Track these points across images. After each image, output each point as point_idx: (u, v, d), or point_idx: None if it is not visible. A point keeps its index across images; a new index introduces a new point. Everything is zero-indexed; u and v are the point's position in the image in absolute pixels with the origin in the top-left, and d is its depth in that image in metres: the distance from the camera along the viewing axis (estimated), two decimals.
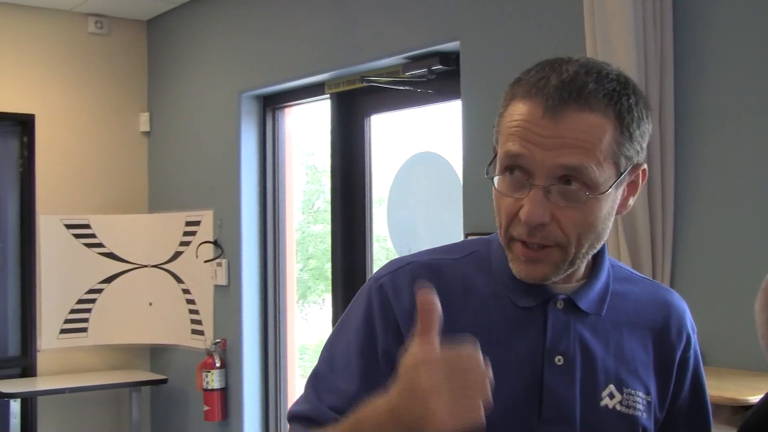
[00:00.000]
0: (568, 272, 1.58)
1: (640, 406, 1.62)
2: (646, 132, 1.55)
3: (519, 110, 1.50)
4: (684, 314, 1.74)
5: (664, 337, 1.69)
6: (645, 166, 1.59)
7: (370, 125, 5.42)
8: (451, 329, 1.53)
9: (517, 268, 1.56)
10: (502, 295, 1.62)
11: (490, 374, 1.32)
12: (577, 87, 1.47)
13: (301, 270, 7.79)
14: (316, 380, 1.64)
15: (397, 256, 1.74)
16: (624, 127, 1.50)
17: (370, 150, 5.42)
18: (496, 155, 1.55)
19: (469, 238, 1.76)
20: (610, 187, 1.51)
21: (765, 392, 1.76)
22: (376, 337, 1.60)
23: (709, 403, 1.78)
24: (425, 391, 1.29)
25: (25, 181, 6.62)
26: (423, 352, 1.32)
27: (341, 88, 5.38)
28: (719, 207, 3.42)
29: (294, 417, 1.63)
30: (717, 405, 2.83)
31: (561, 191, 1.48)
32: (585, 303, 1.62)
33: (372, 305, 1.62)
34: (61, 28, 6.73)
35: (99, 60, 6.89)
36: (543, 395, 1.56)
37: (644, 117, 1.54)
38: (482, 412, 1.29)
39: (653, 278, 3.44)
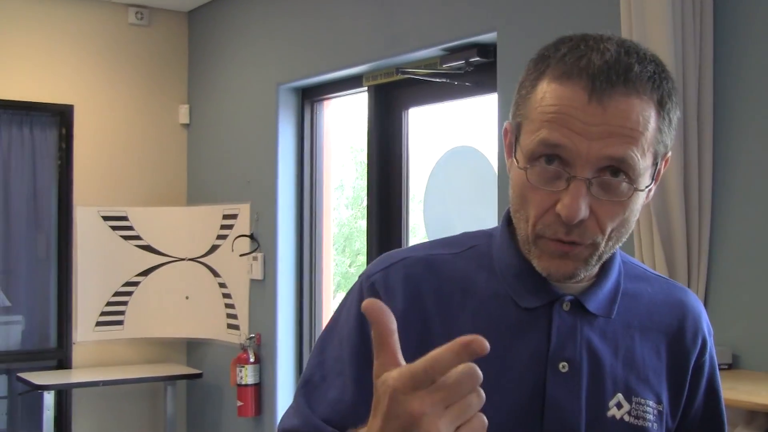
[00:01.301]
0: (596, 268, 1.46)
1: (650, 416, 1.48)
2: (679, 119, 1.44)
3: (555, 93, 1.35)
4: (700, 316, 1.60)
5: (679, 341, 1.55)
6: (670, 153, 1.46)
7: (407, 118, 5.34)
8: (449, 331, 1.40)
9: (545, 264, 1.41)
10: (504, 294, 1.49)
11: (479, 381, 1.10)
12: (624, 69, 1.34)
13: (349, 266, 7.73)
14: (306, 388, 1.51)
15: (392, 251, 1.60)
16: (665, 112, 1.38)
17: (407, 144, 5.33)
18: (516, 140, 1.42)
19: (468, 231, 1.63)
20: (652, 178, 1.40)
21: None
22: (370, 340, 1.44)
23: (725, 411, 1.63)
24: (414, 418, 1.03)
25: (63, 172, 6.61)
26: (394, 374, 1.07)
27: (379, 81, 5.31)
28: (757, 208, 3.31)
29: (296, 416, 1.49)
30: (752, 412, 2.73)
31: (604, 184, 1.35)
32: (594, 304, 1.48)
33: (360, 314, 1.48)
34: (101, 18, 6.71)
35: (139, 51, 6.86)
36: (545, 405, 1.43)
37: (678, 102, 1.42)
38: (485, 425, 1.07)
39: (688, 281, 3.36)
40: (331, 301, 6.08)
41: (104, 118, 6.72)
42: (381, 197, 5.38)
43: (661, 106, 1.37)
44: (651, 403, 1.49)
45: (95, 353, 6.62)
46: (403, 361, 1.09)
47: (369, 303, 1.10)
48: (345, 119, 6.04)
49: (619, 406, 1.47)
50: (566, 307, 1.47)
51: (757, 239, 3.30)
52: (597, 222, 1.37)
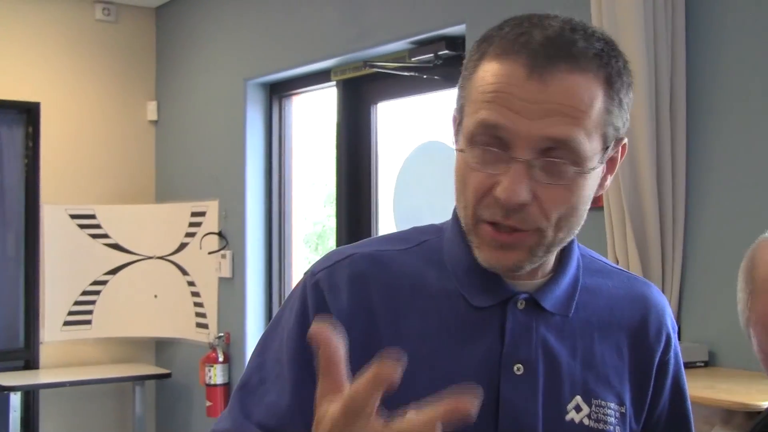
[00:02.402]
0: (543, 260, 1.37)
1: (612, 419, 1.41)
2: (631, 101, 1.36)
3: (494, 71, 1.28)
4: (664, 311, 1.52)
5: (642, 338, 1.48)
6: (626, 140, 1.39)
7: (376, 113, 5.29)
8: (397, 331, 1.38)
9: (485, 256, 1.34)
10: (455, 292, 1.40)
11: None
12: (566, 44, 1.27)
13: None
14: (243, 392, 1.43)
15: (338, 247, 1.52)
16: (614, 92, 1.30)
17: (376, 139, 5.28)
18: (459, 124, 1.35)
19: (417, 226, 1.56)
20: (599, 161, 1.31)
21: None
22: (310, 343, 1.38)
23: (691, 411, 1.56)
24: None
25: (30, 170, 6.52)
26: (334, 407, 1.03)
27: (347, 75, 5.26)
28: (732, 205, 3.26)
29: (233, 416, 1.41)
30: (729, 411, 2.69)
31: (545, 166, 1.27)
32: (550, 302, 1.40)
33: (306, 305, 1.41)
34: (67, 14, 6.63)
35: (106, 48, 6.78)
36: (500, 410, 1.35)
37: (631, 83, 1.35)
38: None
39: (663, 279, 3.33)
40: None
41: (71, 115, 6.63)
42: (350, 193, 5.33)
43: (609, 86, 1.30)
44: (612, 405, 1.42)
45: (63, 353, 6.54)
46: (347, 389, 1.04)
47: (316, 329, 1.06)
48: (314, 114, 5.98)
49: (578, 409, 1.40)
50: (521, 305, 1.39)
51: (732, 236, 3.26)
52: (540, 207, 1.29)
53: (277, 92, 5.96)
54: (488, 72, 1.29)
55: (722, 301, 3.27)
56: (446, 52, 4.54)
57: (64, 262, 6.52)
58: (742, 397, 2.66)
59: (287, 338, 1.41)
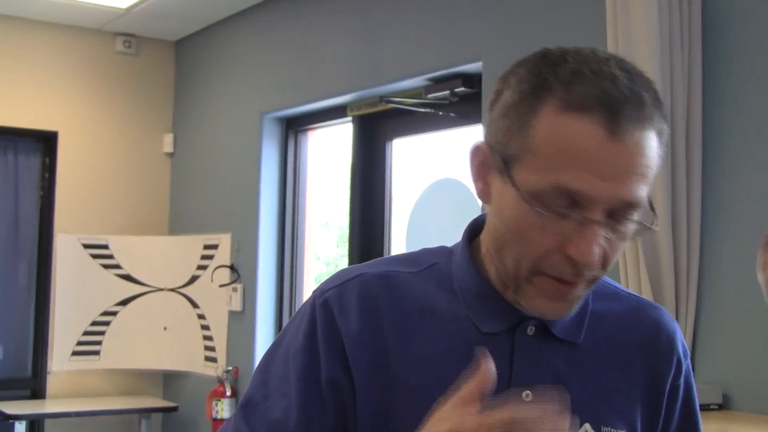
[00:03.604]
0: None
1: None
2: None
3: (571, 128, 1.21)
4: (675, 335, 1.49)
5: (653, 363, 1.45)
6: None
7: (391, 149, 5.28)
8: (406, 352, 1.35)
9: (539, 305, 1.31)
10: (464, 317, 1.38)
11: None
12: (638, 98, 1.22)
13: None
14: (247, 409, 1.40)
15: (348, 267, 1.50)
16: (662, 143, 1.27)
17: (390, 175, 5.27)
18: (506, 168, 1.27)
19: (428, 247, 1.52)
20: (650, 209, 1.30)
21: None
22: (319, 361, 1.36)
23: None
24: None
25: (45, 198, 6.54)
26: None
27: (363, 111, 5.26)
28: (748, 248, 3.21)
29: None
30: None
31: (617, 225, 1.26)
32: (560, 329, 1.38)
33: (315, 324, 1.38)
34: (88, 46, 6.66)
35: (125, 79, 6.81)
36: None
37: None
38: None
39: (677, 315, 3.27)
40: None
41: (88, 146, 6.65)
42: (363, 229, 5.32)
43: (660, 136, 1.27)
44: None
45: (70, 383, 6.51)
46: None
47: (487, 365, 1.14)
48: (329, 150, 5.98)
49: None
50: (530, 331, 1.37)
51: (748, 276, 3.21)
52: (603, 260, 1.27)
53: (293, 127, 5.97)
54: (561, 127, 1.23)
55: (736, 343, 3.23)
56: (462, 89, 4.54)
57: (76, 291, 6.51)
58: None
59: (293, 357, 1.38)
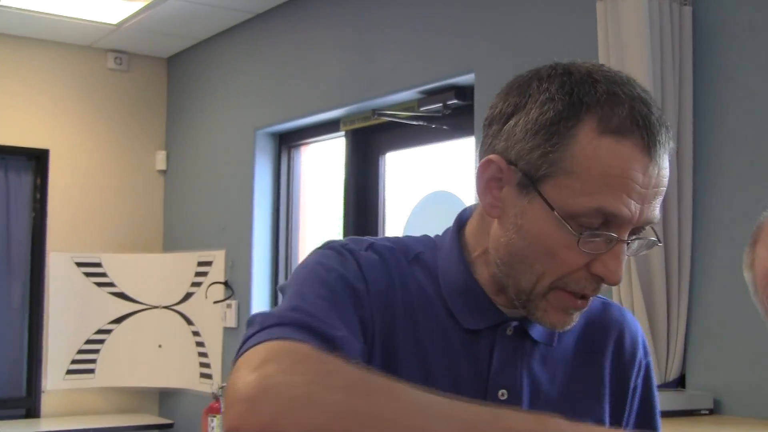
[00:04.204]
0: None
1: None
2: None
3: (614, 152, 1.23)
4: (637, 335, 1.54)
5: (618, 363, 1.50)
6: None
7: (384, 163, 5.27)
8: (392, 345, 1.35)
9: (553, 319, 1.32)
10: (448, 312, 1.40)
11: None
12: (664, 121, 1.26)
13: None
14: (297, 312, 1.26)
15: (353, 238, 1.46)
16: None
17: (384, 189, 5.26)
18: (532, 185, 1.28)
19: (410, 236, 1.50)
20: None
21: None
22: (360, 298, 1.33)
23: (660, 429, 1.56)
24: None
25: (37, 217, 6.51)
26: None
27: (356, 125, 5.26)
28: (738, 255, 3.18)
29: (295, 326, 1.22)
30: None
31: (639, 243, 1.31)
32: (537, 331, 1.41)
33: (345, 258, 1.36)
34: (79, 63, 6.66)
35: (117, 96, 6.80)
36: None
37: None
38: None
39: (668, 325, 3.32)
40: None
41: (80, 163, 6.64)
42: None
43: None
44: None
45: (65, 402, 6.48)
46: None
47: None
48: (323, 165, 5.97)
49: None
50: (509, 332, 1.40)
51: (739, 281, 3.20)
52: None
53: (287, 142, 5.96)
54: (604, 150, 1.24)
55: (727, 349, 3.24)
56: (455, 101, 4.54)
57: (69, 310, 6.48)
58: None
59: (332, 287, 1.32)
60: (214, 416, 5.82)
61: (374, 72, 4.97)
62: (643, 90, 1.28)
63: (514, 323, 1.40)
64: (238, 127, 6.09)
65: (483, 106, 4.25)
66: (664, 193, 1.28)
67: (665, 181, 1.27)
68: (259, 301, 5.86)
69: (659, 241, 1.33)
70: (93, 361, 6.52)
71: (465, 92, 4.52)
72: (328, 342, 1.21)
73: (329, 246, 1.40)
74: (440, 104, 4.63)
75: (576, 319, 1.35)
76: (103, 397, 6.62)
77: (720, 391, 3.24)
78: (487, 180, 1.32)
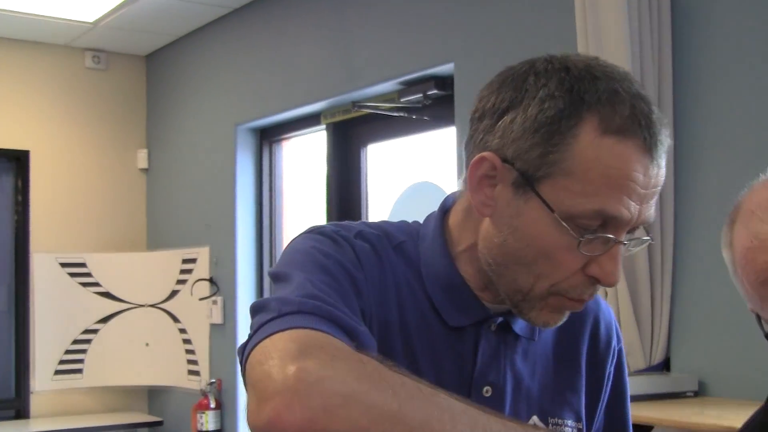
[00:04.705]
0: None
1: None
2: None
3: (615, 152, 1.20)
4: (611, 321, 1.53)
5: (594, 352, 1.49)
6: None
7: (366, 156, 5.28)
8: (385, 338, 1.31)
9: (545, 318, 1.30)
10: (431, 307, 1.36)
11: None
12: (662, 120, 1.23)
13: None
14: (316, 300, 1.20)
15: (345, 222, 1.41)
16: None
17: (366, 181, 5.27)
18: (529, 184, 1.23)
19: (391, 221, 1.45)
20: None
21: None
22: (360, 288, 1.29)
23: (629, 418, 1.56)
24: None
25: (20, 218, 6.49)
26: None
27: (337, 118, 5.26)
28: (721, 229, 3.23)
29: (318, 316, 1.17)
30: None
31: (633, 243, 1.28)
32: (520, 326, 1.39)
33: (339, 243, 1.32)
34: (57, 62, 6.63)
35: (97, 95, 6.78)
36: None
37: None
38: None
39: (652, 310, 3.33)
40: None
41: (61, 164, 6.62)
42: None
43: None
44: (570, 422, 1.43)
45: (54, 403, 6.47)
46: None
47: None
48: (304, 159, 5.98)
49: (535, 428, 1.33)
50: (493, 327, 1.37)
51: (721, 268, 3.22)
52: None
53: (268, 137, 5.96)
54: (605, 150, 1.20)
55: (711, 331, 3.27)
56: (435, 91, 4.54)
57: (55, 311, 6.47)
58: (731, 422, 2.66)
59: (334, 274, 1.27)
60: (203, 412, 5.84)
61: (354, 64, 4.97)
62: (640, 86, 1.25)
63: (499, 319, 1.37)
64: (219, 123, 6.09)
65: (463, 96, 4.27)
66: (658, 192, 1.26)
67: (663, 179, 1.25)
68: (245, 297, 5.86)
69: (651, 239, 1.31)
70: (81, 361, 6.51)
71: (445, 82, 4.52)
72: (351, 335, 1.17)
73: (320, 231, 1.35)
74: (420, 95, 4.63)
75: (565, 317, 1.32)
76: (92, 397, 6.61)
77: (705, 374, 3.26)
78: (480, 178, 1.28)
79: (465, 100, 4.28)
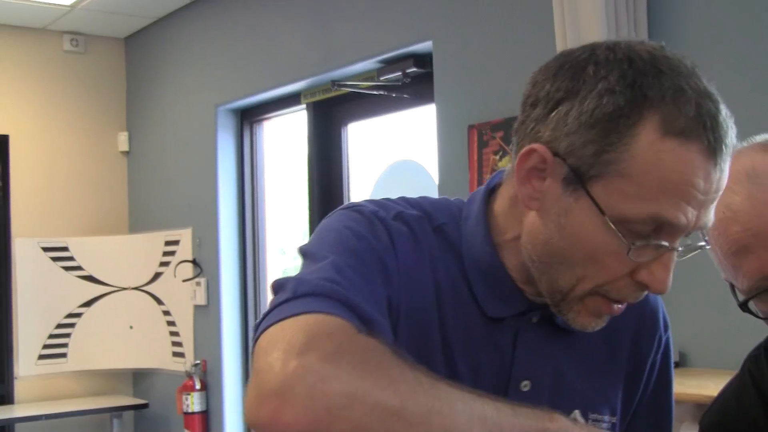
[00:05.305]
0: None
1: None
2: None
3: (678, 157, 1.12)
4: (657, 310, 1.47)
5: (637, 343, 1.43)
6: None
7: (347, 134, 5.28)
8: (418, 327, 1.27)
9: (584, 321, 1.24)
10: (471, 295, 1.30)
11: None
12: (729, 124, 1.15)
13: None
14: (333, 284, 1.18)
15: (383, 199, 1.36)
16: None
17: (347, 160, 5.27)
18: (580, 183, 1.17)
19: (430, 198, 1.39)
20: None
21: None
22: (390, 275, 1.25)
23: (673, 407, 1.51)
24: None
25: (1, 204, 6.47)
26: None
27: (317, 98, 5.26)
28: None
29: (333, 299, 1.15)
30: (699, 404, 2.71)
31: (686, 248, 1.21)
32: (562, 319, 1.30)
33: (374, 225, 1.27)
34: (35, 46, 6.60)
35: (76, 78, 6.75)
36: None
37: None
38: None
39: None
40: None
41: (41, 148, 6.60)
42: (323, 215, 5.30)
43: None
44: (606, 417, 1.39)
45: (39, 387, 6.47)
46: None
47: None
48: (286, 139, 5.98)
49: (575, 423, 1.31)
50: (535, 320, 1.32)
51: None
52: None
53: (248, 118, 5.96)
54: (667, 154, 1.13)
55: (691, 303, 3.29)
56: (414, 69, 4.54)
57: (38, 295, 6.46)
58: (711, 392, 2.68)
59: (361, 257, 1.24)
60: (189, 393, 5.85)
61: (333, 43, 4.97)
62: (707, 82, 1.16)
63: (540, 312, 1.32)
64: (199, 105, 6.08)
65: (442, 74, 4.28)
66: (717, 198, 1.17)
67: (725, 183, 1.17)
68: (228, 278, 5.86)
69: (707, 244, 1.24)
70: (65, 345, 6.51)
71: (424, 60, 4.53)
72: (365, 322, 1.14)
73: (357, 209, 1.31)
74: (399, 73, 4.63)
75: (606, 321, 1.26)
76: (77, 381, 6.61)
77: (685, 344, 3.30)
78: (528, 170, 1.21)
79: (444, 77, 4.30)
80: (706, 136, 1.12)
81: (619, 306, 1.23)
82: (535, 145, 1.19)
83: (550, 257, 1.22)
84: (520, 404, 1.11)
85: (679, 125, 1.12)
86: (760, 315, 1.41)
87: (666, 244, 1.17)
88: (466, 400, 1.07)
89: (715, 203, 1.17)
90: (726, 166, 1.15)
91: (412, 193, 1.40)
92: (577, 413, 1.35)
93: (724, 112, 1.15)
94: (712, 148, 1.12)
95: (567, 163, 1.17)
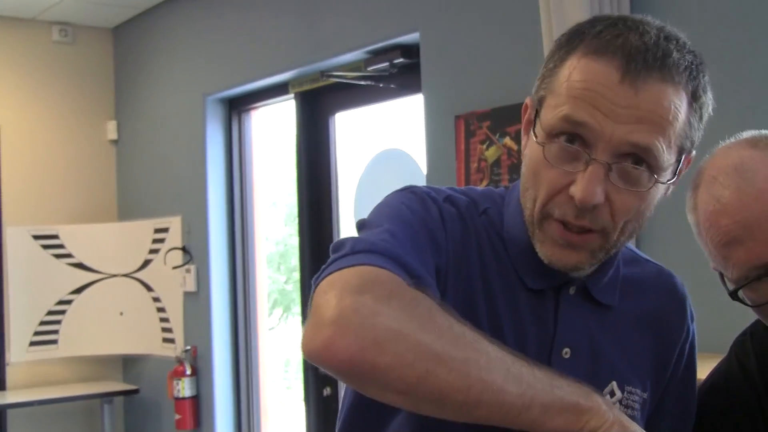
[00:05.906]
0: (601, 262, 1.40)
1: (637, 405, 1.46)
2: (709, 116, 1.38)
3: (586, 68, 1.27)
4: (685, 302, 1.58)
5: (667, 329, 1.53)
6: (694, 153, 1.41)
7: (334, 124, 5.35)
8: (465, 298, 1.38)
9: (548, 252, 1.35)
10: (511, 270, 1.41)
11: None
12: (662, 53, 1.26)
13: (285, 282, 7.73)
14: (388, 244, 1.29)
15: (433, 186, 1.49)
16: (698, 106, 1.32)
17: (335, 150, 5.34)
18: (536, 115, 1.35)
19: (476, 188, 1.53)
20: (672, 172, 1.34)
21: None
22: (440, 246, 1.36)
23: (696, 392, 1.61)
24: None
25: None
26: None
27: (305, 87, 5.32)
28: (684, 191, 3.33)
29: (387, 256, 1.26)
30: None
31: (624, 171, 1.28)
32: (598, 291, 1.44)
33: (431, 216, 1.39)
34: (24, 36, 6.64)
35: (64, 68, 6.80)
36: None
37: (711, 100, 1.37)
38: None
39: None
40: (266, 309, 6.08)
41: (31, 137, 6.65)
42: (311, 205, 5.38)
43: (694, 99, 1.31)
44: (638, 391, 1.47)
45: (30, 373, 6.53)
46: None
47: None
48: (274, 128, 6.04)
49: (612, 394, 1.43)
50: (572, 291, 1.43)
51: (687, 229, 3.30)
52: (611, 210, 1.31)
53: (237, 107, 6.02)
54: (578, 68, 1.29)
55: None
56: (401, 60, 4.60)
57: (29, 282, 6.52)
58: (699, 374, 2.75)
59: (412, 221, 1.37)
60: (179, 379, 5.93)
61: (321, 34, 5.03)
62: (664, 32, 1.30)
63: (577, 283, 1.42)
64: (188, 94, 6.14)
65: (429, 64, 4.35)
66: (662, 124, 1.27)
67: (659, 110, 1.26)
68: (218, 264, 5.93)
69: (657, 175, 1.31)
70: (55, 331, 6.57)
71: (411, 51, 4.58)
72: (415, 278, 1.24)
73: (412, 190, 1.43)
74: (387, 63, 4.69)
75: (583, 260, 1.35)
76: (68, 367, 6.68)
77: None
78: (525, 123, 1.40)
79: (431, 68, 4.36)
80: (620, 57, 1.26)
81: (568, 233, 1.33)
82: (527, 99, 1.39)
83: (521, 190, 1.39)
84: (559, 375, 1.21)
85: (596, 47, 1.28)
86: (749, 303, 1.49)
87: (583, 151, 1.28)
88: (506, 359, 1.17)
89: (646, 126, 1.26)
90: (649, 89, 1.26)
91: (399, 182, 1.51)
92: (614, 384, 1.44)
93: (653, 44, 1.27)
94: (626, 67, 1.25)
95: (534, 102, 1.37)
